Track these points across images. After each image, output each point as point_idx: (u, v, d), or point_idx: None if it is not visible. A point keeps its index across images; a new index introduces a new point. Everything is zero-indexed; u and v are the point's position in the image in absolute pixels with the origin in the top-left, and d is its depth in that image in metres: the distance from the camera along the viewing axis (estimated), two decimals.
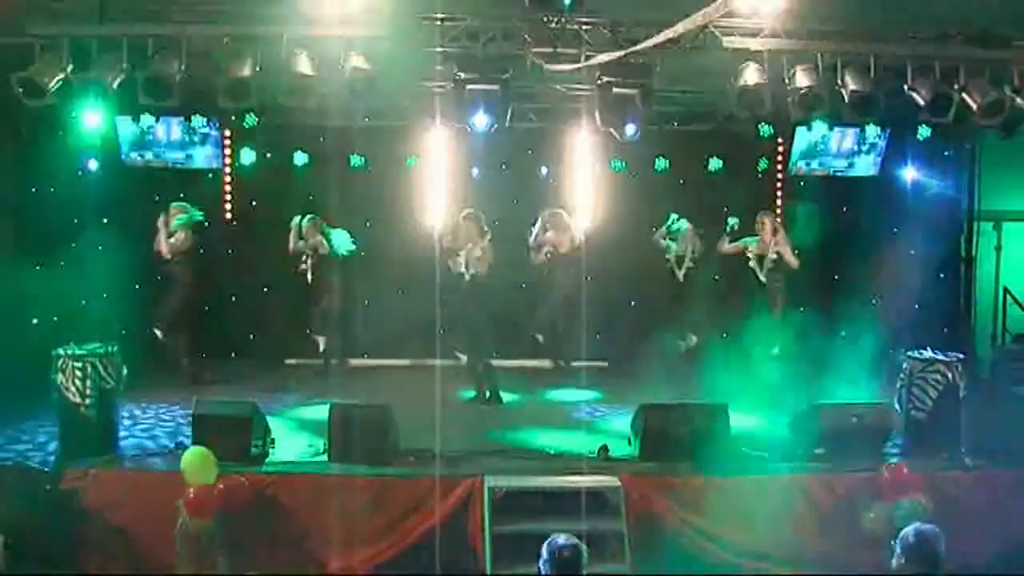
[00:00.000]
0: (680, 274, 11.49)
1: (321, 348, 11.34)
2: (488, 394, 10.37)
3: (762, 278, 11.01)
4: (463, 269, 10.18)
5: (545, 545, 4.56)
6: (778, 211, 12.68)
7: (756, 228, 11.11)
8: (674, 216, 11.55)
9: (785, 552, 7.59)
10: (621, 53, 8.15)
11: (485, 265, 10.19)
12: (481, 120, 9.03)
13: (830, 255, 12.37)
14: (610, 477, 7.73)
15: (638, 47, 7.83)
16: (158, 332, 10.83)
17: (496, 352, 10.61)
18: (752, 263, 11.04)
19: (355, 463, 7.83)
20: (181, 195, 11.62)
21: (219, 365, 11.53)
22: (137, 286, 12.02)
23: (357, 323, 12.13)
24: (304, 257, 11.19)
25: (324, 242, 11.13)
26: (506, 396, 10.43)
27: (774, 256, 10.98)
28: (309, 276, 11.20)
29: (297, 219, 11.18)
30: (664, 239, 11.55)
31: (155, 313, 10.87)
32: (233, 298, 11.60)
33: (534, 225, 11.47)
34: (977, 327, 12.81)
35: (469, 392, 10.51)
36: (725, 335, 11.11)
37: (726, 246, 11.28)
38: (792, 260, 10.99)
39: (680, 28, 6.85)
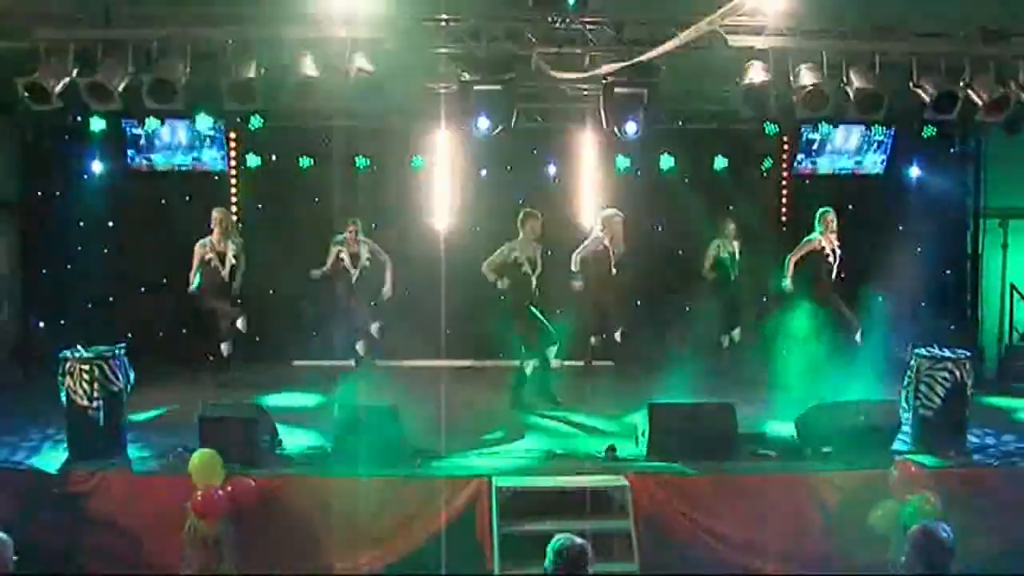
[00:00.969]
0: (734, 274, 11.65)
1: (362, 353, 11.36)
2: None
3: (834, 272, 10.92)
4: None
5: (550, 545, 4.56)
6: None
7: (822, 225, 10.90)
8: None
9: (793, 551, 7.59)
10: (627, 64, 8.12)
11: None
12: (485, 121, 9.03)
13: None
14: (617, 476, 7.71)
15: (643, 57, 7.82)
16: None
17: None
18: (830, 259, 10.85)
19: (362, 464, 7.81)
20: (187, 198, 11.66)
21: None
22: (143, 289, 12.07)
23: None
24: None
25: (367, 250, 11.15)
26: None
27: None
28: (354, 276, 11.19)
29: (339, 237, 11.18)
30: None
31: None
32: (239, 300, 11.63)
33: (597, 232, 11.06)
34: (984, 324, 12.79)
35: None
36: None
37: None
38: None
39: (685, 37, 6.85)
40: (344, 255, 11.15)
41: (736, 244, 11.75)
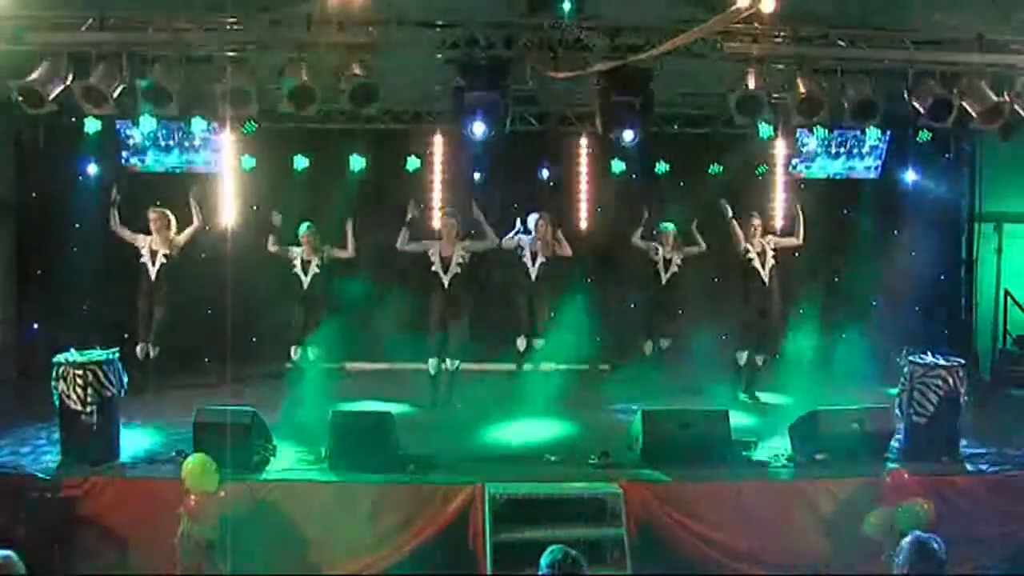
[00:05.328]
0: (664, 278, 11.49)
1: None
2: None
3: (765, 278, 10.71)
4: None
5: (543, 557, 4.55)
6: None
7: (748, 230, 10.83)
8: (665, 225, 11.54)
9: (786, 558, 7.59)
10: (620, 63, 8.12)
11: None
12: (480, 126, 9.03)
13: (831, 258, 12.37)
14: (611, 483, 7.71)
15: (638, 57, 7.82)
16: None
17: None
18: (755, 263, 10.76)
19: (356, 470, 7.83)
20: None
21: (219, 370, 11.49)
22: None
23: (357, 327, 12.07)
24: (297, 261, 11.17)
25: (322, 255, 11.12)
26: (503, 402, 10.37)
27: (772, 253, 10.79)
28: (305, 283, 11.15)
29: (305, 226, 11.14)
30: (643, 240, 11.51)
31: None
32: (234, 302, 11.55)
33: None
34: (978, 329, 12.81)
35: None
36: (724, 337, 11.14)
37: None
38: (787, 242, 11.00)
39: (679, 41, 6.84)
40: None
41: (675, 254, 11.50)
